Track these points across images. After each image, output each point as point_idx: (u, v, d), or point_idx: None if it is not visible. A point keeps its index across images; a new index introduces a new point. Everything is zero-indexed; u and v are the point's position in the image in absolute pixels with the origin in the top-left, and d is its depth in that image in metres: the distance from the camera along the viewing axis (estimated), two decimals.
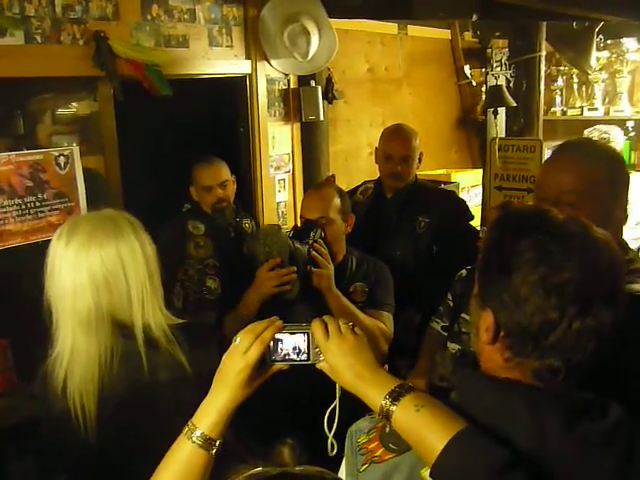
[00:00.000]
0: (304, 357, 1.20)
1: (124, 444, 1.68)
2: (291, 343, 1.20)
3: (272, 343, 1.19)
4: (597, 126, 3.43)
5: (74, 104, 3.13)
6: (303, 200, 2.72)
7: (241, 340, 1.18)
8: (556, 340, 1.02)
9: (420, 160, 3.17)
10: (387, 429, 1.14)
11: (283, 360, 1.21)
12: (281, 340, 1.20)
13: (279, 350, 1.20)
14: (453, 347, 2.46)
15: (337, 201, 2.56)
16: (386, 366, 2.87)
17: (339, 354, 1.16)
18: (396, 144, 3.09)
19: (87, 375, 1.64)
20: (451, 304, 2.66)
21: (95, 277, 1.63)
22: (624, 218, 1.64)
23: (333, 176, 4.10)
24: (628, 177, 1.66)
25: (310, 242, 2.39)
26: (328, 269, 2.38)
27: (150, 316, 1.67)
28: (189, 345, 1.69)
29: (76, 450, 1.69)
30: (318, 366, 1.20)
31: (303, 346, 1.20)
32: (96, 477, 1.74)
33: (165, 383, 1.68)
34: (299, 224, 2.62)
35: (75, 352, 1.66)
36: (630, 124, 5.20)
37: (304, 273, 2.36)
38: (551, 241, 1.04)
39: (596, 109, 5.49)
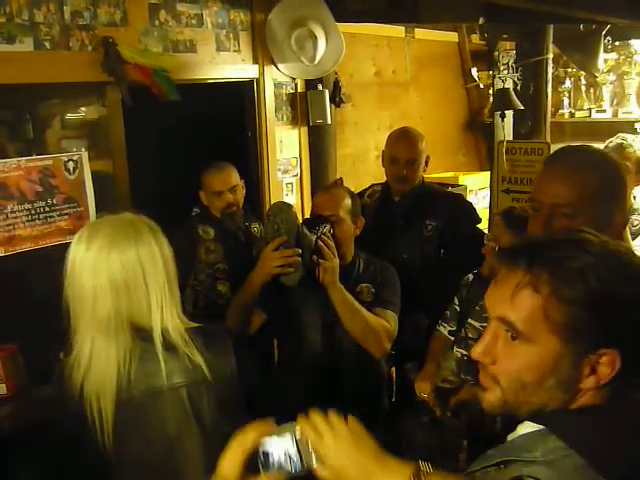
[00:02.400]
0: (298, 464, 1.04)
1: (140, 447, 1.70)
2: (281, 449, 1.05)
3: (260, 454, 1.05)
4: (619, 134, 3.42)
5: (83, 109, 3.15)
6: (315, 198, 2.74)
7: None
8: None
9: (427, 163, 3.17)
10: None
11: (278, 469, 1.05)
12: (269, 452, 1.05)
13: (270, 461, 1.05)
14: (459, 352, 2.47)
15: (348, 202, 2.58)
16: (393, 369, 2.88)
17: (339, 453, 1.04)
18: (402, 147, 3.09)
19: (105, 379, 1.65)
20: (458, 309, 2.67)
21: (115, 281, 1.63)
22: (623, 222, 1.65)
23: (341, 179, 4.11)
24: (624, 181, 1.67)
25: (318, 234, 2.39)
26: (333, 262, 2.38)
27: (168, 320, 1.68)
28: (206, 348, 1.70)
29: (92, 453, 1.69)
30: (319, 473, 1.05)
31: (293, 451, 1.05)
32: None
33: (183, 386, 1.69)
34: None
35: (94, 356, 1.66)
36: (639, 125, 5.19)
37: (308, 262, 2.37)
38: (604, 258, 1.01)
39: (604, 111, 5.49)
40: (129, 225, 1.69)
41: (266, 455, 1.04)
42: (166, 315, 1.67)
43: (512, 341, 1.03)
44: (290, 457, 1.04)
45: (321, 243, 2.38)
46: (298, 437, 1.05)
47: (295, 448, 1.04)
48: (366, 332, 2.42)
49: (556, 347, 0.99)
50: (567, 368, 0.99)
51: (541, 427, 1.02)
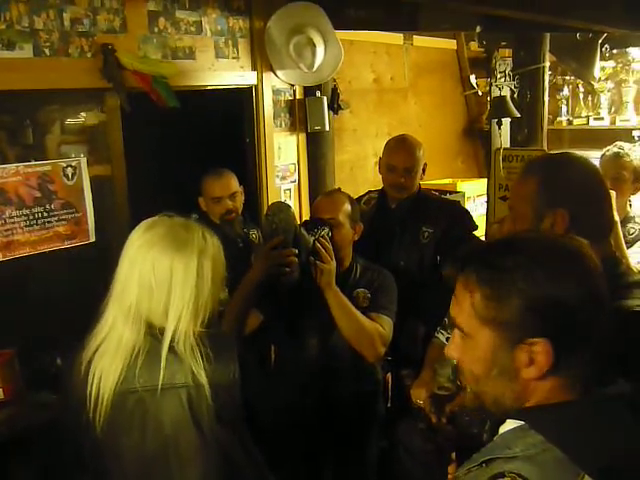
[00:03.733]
0: None
1: (135, 441, 1.71)
2: None
3: None
4: (617, 142, 3.42)
5: (82, 115, 3.16)
6: (315, 202, 2.75)
7: None
8: (606, 343, 1.04)
9: (424, 171, 3.17)
10: None
11: None
12: None
13: None
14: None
15: (348, 207, 2.60)
16: (388, 375, 2.89)
17: None
18: (399, 155, 3.09)
19: (112, 363, 1.68)
20: None
21: (142, 279, 1.67)
22: (602, 230, 1.65)
23: (339, 189, 4.12)
24: (596, 190, 1.66)
25: (317, 236, 2.41)
26: (330, 264, 2.40)
27: (182, 330, 1.69)
28: (212, 354, 1.70)
29: (87, 440, 1.72)
30: None
31: None
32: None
33: (183, 387, 1.69)
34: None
35: (109, 336, 1.71)
36: (636, 133, 5.20)
37: (305, 263, 2.38)
38: (556, 257, 1.07)
39: (602, 118, 5.51)
40: (183, 231, 1.72)
41: None
42: (182, 326, 1.68)
43: (463, 339, 1.13)
44: None
45: (319, 245, 2.39)
46: None
47: None
48: (360, 335, 2.44)
49: (490, 339, 1.07)
50: (504, 358, 1.06)
51: (521, 423, 1.07)
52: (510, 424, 1.09)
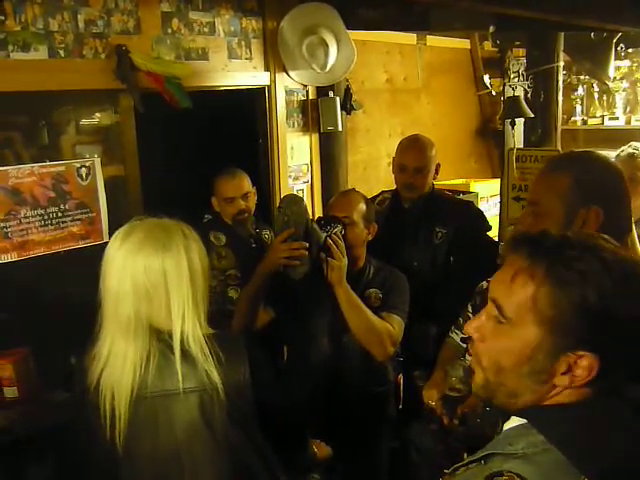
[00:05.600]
0: None
1: (148, 447, 1.71)
2: None
3: None
4: (631, 142, 3.39)
5: (96, 115, 3.19)
6: (330, 200, 2.76)
7: None
8: None
9: (437, 171, 3.17)
10: None
11: None
12: None
13: None
14: (471, 360, 2.47)
15: (362, 206, 2.59)
16: (400, 376, 2.88)
17: None
18: (411, 155, 3.09)
19: (121, 379, 1.67)
20: (471, 316, 2.66)
21: (137, 286, 1.65)
22: (622, 229, 1.64)
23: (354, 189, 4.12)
24: (621, 189, 1.66)
25: (329, 232, 2.40)
26: (341, 261, 2.39)
27: (189, 329, 1.68)
28: (222, 356, 1.70)
29: (101, 448, 1.71)
30: None
31: None
32: None
33: (195, 392, 1.69)
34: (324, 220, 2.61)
35: (111, 355, 1.69)
36: None
37: (315, 257, 2.37)
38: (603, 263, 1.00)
39: (617, 118, 5.48)
40: (162, 232, 1.70)
41: None
42: (187, 324, 1.68)
43: (499, 323, 1.06)
44: None
45: (330, 241, 2.39)
46: None
47: None
48: (369, 334, 2.43)
49: (536, 337, 1.01)
50: (543, 360, 1.01)
51: (525, 421, 1.05)
52: (514, 421, 1.07)
